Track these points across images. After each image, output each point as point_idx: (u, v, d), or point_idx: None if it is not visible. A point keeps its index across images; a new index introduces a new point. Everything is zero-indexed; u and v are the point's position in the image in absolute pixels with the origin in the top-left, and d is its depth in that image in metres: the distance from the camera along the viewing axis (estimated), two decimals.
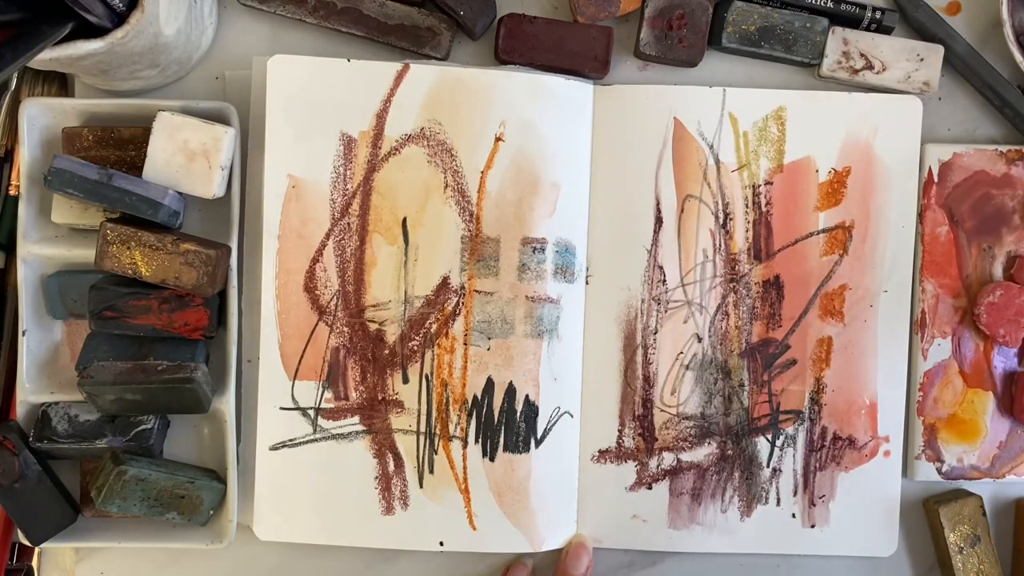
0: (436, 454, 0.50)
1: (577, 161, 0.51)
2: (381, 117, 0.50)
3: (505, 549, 0.51)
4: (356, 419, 0.50)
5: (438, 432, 0.50)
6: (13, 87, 0.50)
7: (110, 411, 0.48)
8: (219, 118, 0.48)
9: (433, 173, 0.50)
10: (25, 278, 0.49)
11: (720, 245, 0.52)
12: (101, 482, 0.47)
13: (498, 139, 0.50)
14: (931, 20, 0.52)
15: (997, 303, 0.51)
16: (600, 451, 0.52)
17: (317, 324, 0.50)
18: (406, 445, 0.50)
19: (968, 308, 0.52)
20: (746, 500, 0.52)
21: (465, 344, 0.50)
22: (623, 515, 0.52)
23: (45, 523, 0.48)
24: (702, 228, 0.52)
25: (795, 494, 0.52)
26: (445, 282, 0.50)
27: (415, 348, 0.50)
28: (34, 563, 0.53)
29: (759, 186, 0.52)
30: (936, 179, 0.52)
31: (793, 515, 0.52)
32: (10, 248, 0.50)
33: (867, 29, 0.52)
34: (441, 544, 0.51)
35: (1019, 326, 0.52)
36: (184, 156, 0.46)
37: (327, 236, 0.50)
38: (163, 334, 0.47)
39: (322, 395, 0.50)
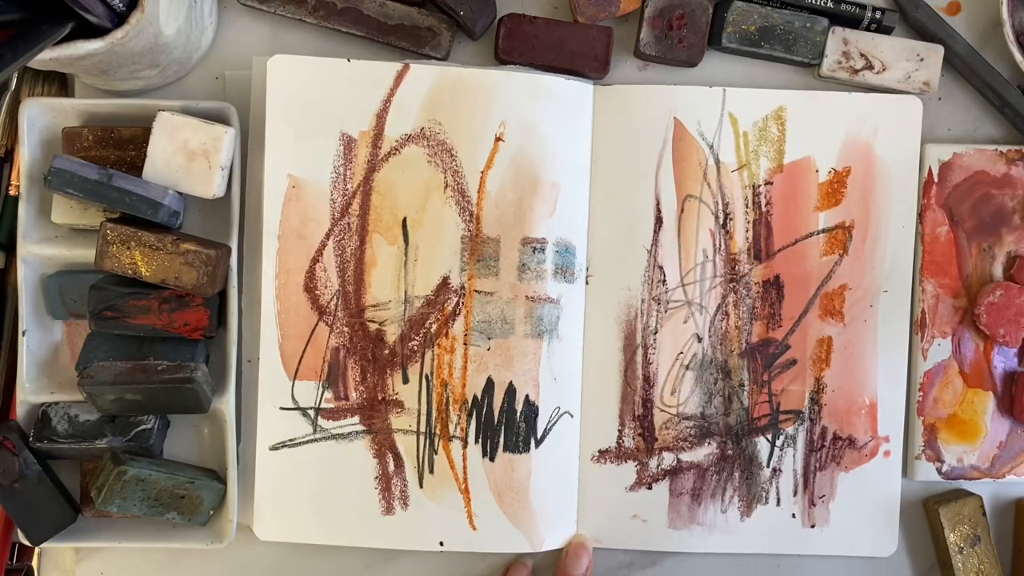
0: (436, 454, 0.50)
1: (577, 161, 0.51)
2: (381, 117, 0.50)
3: (505, 549, 0.51)
4: (356, 419, 0.50)
5: (438, 432, 0.50)
6: (13, 87, 0.50)
7: (110, 411, 0.48)
8: (219, 118, 0.48)
9: (433, 173, 0.50)
10: (25, 278, 0.49)
11: (720, 245, 0.52)
12: (101, 482, 0.47)
13: (498, 139, 0.50)
14: (931, 20, 0.52)
15: (997, 303, 0.51)
16: (600, 451, 0.52)
17: (317, 324, 0.50)
18: (406, 445, 0.50)
19: (968, 308, 0.52)
20: (746, 500, 0.52)
21: (465, 344, 0.50)
22: (623, 515, 0.52)
23: (45, 523, 0.48)
24: (702, 228, 0.52)
25: (795, 494, 0.52)
26: (445, 282, 0.50)
27: (415, 348, 0.50)
28: (34, 563, 0.53)
29: (759, 186, 0.52)
30: (936, 179, 0.52)
31: (793, 515, 0.52)
32: (10, 248, 0.50)
33: (867, 29, 0.52)
34: (441, 544, 0.51)
35: (1019, 326, 0.52)
36: (184, 156, 0.46)
37: (327, 236, 0.50)
38: (163, 334, 0.47)
39: (322, 395, 0.50)
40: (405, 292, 0.50)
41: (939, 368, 0.53)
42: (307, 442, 0.50)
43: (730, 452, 0.52)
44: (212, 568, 0.52)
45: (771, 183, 0.52)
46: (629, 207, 0.51)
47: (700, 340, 0.52)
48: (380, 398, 0.50)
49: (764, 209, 0.52)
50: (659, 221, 0.51)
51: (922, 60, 0.51)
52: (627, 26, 0.52)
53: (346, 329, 0.50)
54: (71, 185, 0.45)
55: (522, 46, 0.50)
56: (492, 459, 0.50)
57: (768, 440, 0.52)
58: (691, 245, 0.52)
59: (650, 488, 0.52)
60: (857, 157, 0.52)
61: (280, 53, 0.49)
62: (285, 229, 0.50)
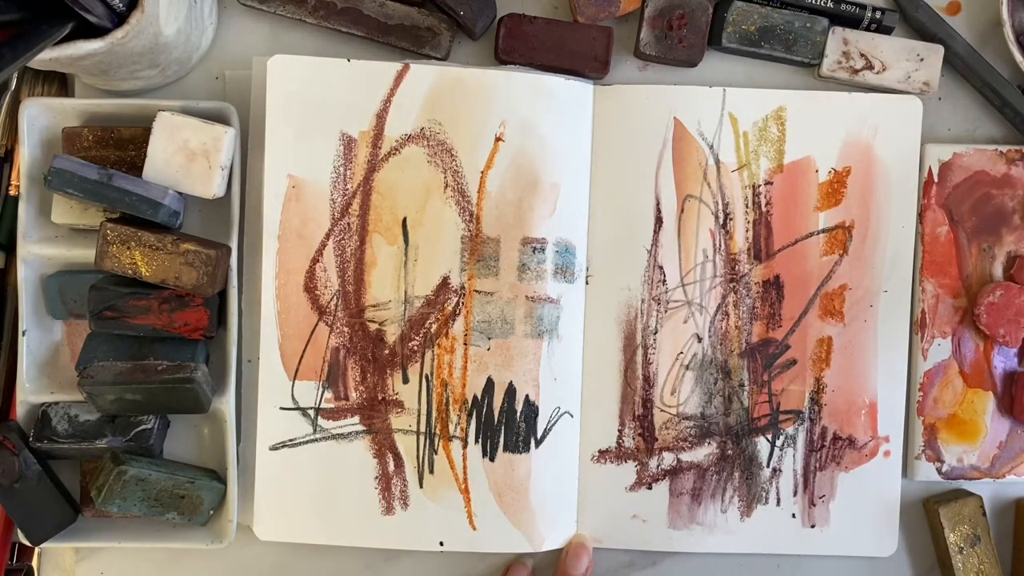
0: (436, 454, 0.50)
1: (577, 161, 0.51)
2: (381, 117, 0.50)
3: (505, 549, 0.51)
4: (356, 419, 0.50)
5: (438, 432, 0.50)
6: (13, 87, 0.50)
7: (110, 411, 0.48)
8: (219, 118, 0.48)
9: (433, 173, 0.50)
10: (25, 278, 0.49)
11: (720, 245, 0.52)
12: (101, 482, 0.47)
13: (498, 139, 0.50)
14: (931, 20, 0.52)
15: (997, 303, 0.51)
16: (600, 451, 0.52)
17: (317, 324, 0.50)
18: (406, 445, 0.50)
19: (968, 308, 0.52)
20: (746, 500, 0.52)
21: (465, 344, 0.50)
22: (623, 515, 0.52)
23: (45, 523, 0.48)
24: (702, 228, 0.52)
25: (795, 494, 0.52)
26: (445, 282, 0.50)
27: (415, 348, 0.50)
28: (34, 563, 0.53)
29: (759, 186, 0.52)
30: (936, 179, 0.52)
31: (793, 515, 0.52)
32: (10, 248, 0.50)
33: (867, 29, 0.52)
34: (441, 544, 0.51)
35: (1019, 326, 0.52)
36: (184, 156, 0.46)
37: (327, 236, 0.50)
38: (163, 334, 0.47)
39: (322, 395, 0.50)
40: (405, 292, 0.50)
41: (939, 368, 0.53)
42: (307, 442, 0.50)
43: (730, 452, 0.52)
44: (212, 568, 0.52)
45: (771, 183, 0.52)
46: (629, 207, 0.51)
47: (700, 340, 0.52)
48: (380, 398, 0.50)
49: (764, 209, 0.52)
50: (659, 221, 0.51)
51: (922, 60, 0.51)
52: (627, 26, 0.52)
53: (346, 329, 0.50)
54: (71, 185, 0.45)
55: (522, 46, 0.50)
56: (492, 459, 0.50)
57: (768, 440, 0.52)
58: (691, 245, 0.52)
59: (650, 488, 0.52)
60: (857, 157, 0.52)
61: (280, 53, 0.49)
62: (285, 229, 0.50)
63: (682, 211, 0.51)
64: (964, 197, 0.52)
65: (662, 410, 0.52)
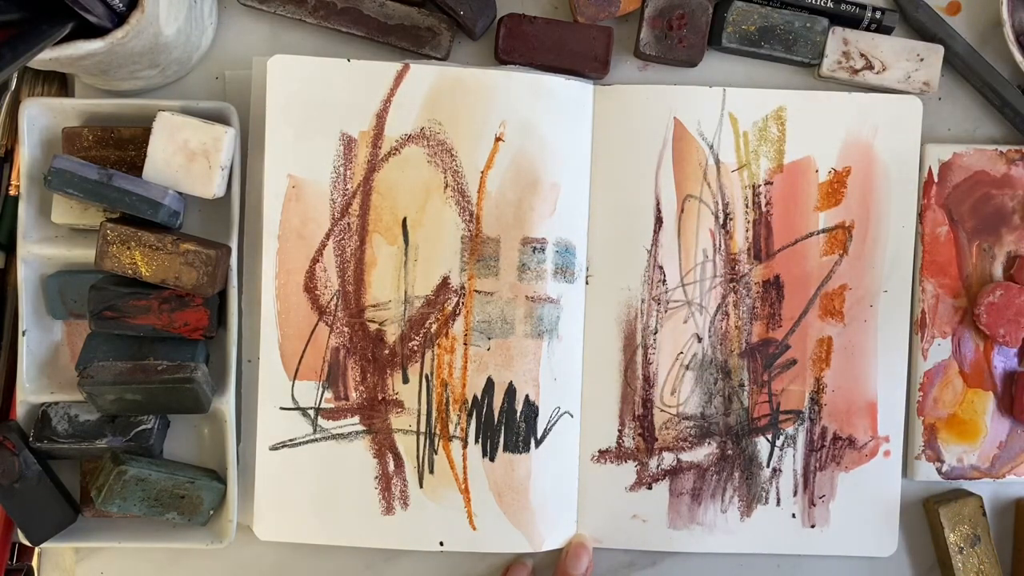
0: (436, 454, 0.50)
1: (577, 161, 0.51)
2: (381, 117, 0.50)
3: (505, 549, 0.51)
4: (356, 419, 0.50)
5: (438, 432, 0.50)
6: (13, 87, 0.50)
7: (110, 411, 0.48)
8: (219, 118, 0.48)
9: (433, 173, 0.50)
10: (25, 278, 0.49)
11: (720, 245, 0.52)
12: (101, 482, 0.47)
13: (498, 139, 0.50)
14: (931, 20, 0.52)
15: (997, 303, 0.51)
16: (600, 451, 0.52)
17: (317, 324, 0.50)
18: (406, 445, 0.50)
19: (968, 308, 0.52)
20: (746, 500, 0.52)
21: (465, 344, 0.50)
22: (623, 515, 0.52)
23: (45, 523, 0.48)
24: (702, 228, 0.52)
25: (795, 494, 0.52)
26: (445, 282, 0.50)
27: (415, 348, 0.50)
28: (34, 563, 0.53)
29: (759, 186, 0.52)
30: (936, 179, 0.52)
31: (793, 515, 0.52)
32: (10, 248, 0.50)
33: (867, 29, 0.52)
34: (441, 544, 0.51)
35: (1019, 326, 0.52)
36: (184, 156, 0.46)
37: (327, 236, 0.50)
38: (163, 334, 0.47)
39: (322, 395, 0.50)
40: (405, 292, 0.50)
41: (939, 368, 0.53)
42: (307, 442, 0.50)
43: (730, 452, 0.52)
44: (212, 568, 0.52)
45: (771, 183, 0.52)
46: (629, 207, 0.51)
47: (700, 340, 0.52)
48: (380, 398, 0.50)
49: (764, 209, 0.52)
50: (659, 221, 0.51)
51: (922, 60, 0.51)
52: (627, 26, 0.52)
53: (346, 329, 0.50)
54: (71, 185, 0.45)
55: (522, 46, 0.50)
56: (492, 459, 0.50)
57: (768, 440, 0.52)
58: (691, 245, 0.52)
59: (650, 488, 0.52)
60: (857, 157, 0.52)
61: (280, 53, 0.49)
62: (285, 229, 0.50)
63: (682, 211, 0.51)
64: (964, 197, 0.52)
65: (662, 410, 0.52)
